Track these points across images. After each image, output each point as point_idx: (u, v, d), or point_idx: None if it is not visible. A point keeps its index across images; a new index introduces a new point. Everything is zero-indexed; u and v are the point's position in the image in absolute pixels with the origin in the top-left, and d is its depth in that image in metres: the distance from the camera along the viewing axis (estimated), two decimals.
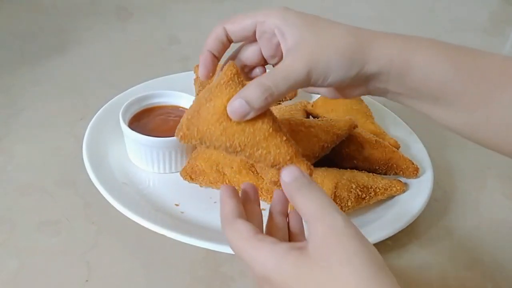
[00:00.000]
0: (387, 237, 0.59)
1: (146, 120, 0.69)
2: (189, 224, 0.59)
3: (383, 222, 0.61)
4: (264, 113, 0.44)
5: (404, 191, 0.65)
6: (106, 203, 0.59)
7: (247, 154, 0.44)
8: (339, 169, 0.63)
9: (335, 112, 0.73)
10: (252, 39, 0.50)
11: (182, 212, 0.61)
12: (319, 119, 0.69)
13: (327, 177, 0.60)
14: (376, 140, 0.67)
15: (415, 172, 0.67)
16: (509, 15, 1.32)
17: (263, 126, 0.43)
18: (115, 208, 0.58)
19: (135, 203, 0.60)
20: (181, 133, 0.44)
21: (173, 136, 0.63)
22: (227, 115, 0.42)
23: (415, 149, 0.72)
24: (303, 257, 0.36)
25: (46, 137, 0.73)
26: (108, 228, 0.60)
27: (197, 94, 0.74)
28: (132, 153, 0.67)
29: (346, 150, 0.66)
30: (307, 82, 0.45)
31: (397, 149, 0.70)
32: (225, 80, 0.44)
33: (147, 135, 0.64)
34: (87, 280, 0.54)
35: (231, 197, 0.43)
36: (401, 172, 0.67)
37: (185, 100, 0.72)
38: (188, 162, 0.65)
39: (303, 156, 0.61)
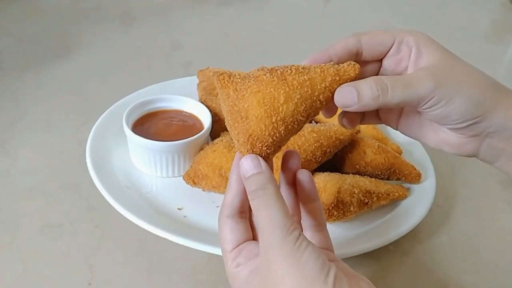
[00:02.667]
0: (389, 242, 0.59)
1: (149, 124, 0.69)
2: (192, 228, 0.59)
3: (385, 227, 0.61)
4: (286, 70, 0.42)
5: (406, 197, 0.65)
6: (109, 206, 0.59)
7: (313, 114, 0.42)
8: (342, 174, 0.64)
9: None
10: (380, 57, 0.47)
11: (185, 216, 0.61)
12: (322, 124, 0.69)
13: (329, 182, 0.60)
14: (378, 145, 0.67)
15: (418, 177, 0.67)
16: (511, 23, 1.32)
17: (300, 79, 0.41)
18: (118, 212, 0.58)
19: (138, 206, 0.60)
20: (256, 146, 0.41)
21: (176, 140, 0.65)
22: (271, 102, 0.40)
23: (418, 155, 0.72)
24: (257, 280, 0.39)
25: (49, 141, 0.74)
26: (111, 232, 0.60)
27: (200, 99, 0.74)
28: (135, 157, 0.68)
29: (349, 155, 0.66)
30: (427, 98, 0.41)
31: (400, 154, 0.70)
32: (231, 82, 0.42)
33: (150, 139, 0.65)
34: (90, 284, 0.54)
35: (236, 185, 0.43)
36: (404, 178, 0.67)
37: (188, 104, 0.72)
38: (191, 166, 0.65)
39: (305, 161, 0.62)
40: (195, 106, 0.72)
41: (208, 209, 0.63)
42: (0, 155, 0.71)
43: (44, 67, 0.91)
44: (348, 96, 0.41)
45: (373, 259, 0.59)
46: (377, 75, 0.48)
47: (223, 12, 1.19)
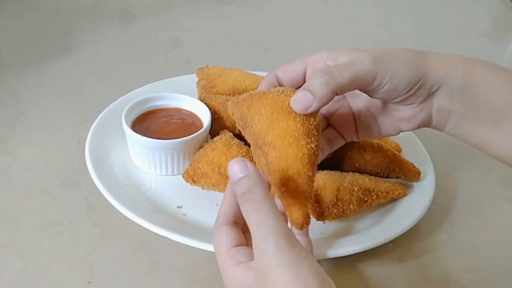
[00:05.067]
0: (388, 240, 0.59)
1: (149, 122, 0.69)
2: (191, 226, 0.59)
3: (385, 225, 0.61)
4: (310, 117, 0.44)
5: (405, 195, 0.65)
6: (109, 205, 0.59)
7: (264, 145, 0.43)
8: (341, 172, 0.64)
9: None
10: (302, 82, 0.50)
11: (184, 214, 0.61)
12: None
13: (329, 180, 0.60)
14: (378, 143, 0.67)
15: (417, 175, 0.67)
16: (511, 21, 1.32)
17: (295, 127, 0.43)
18: (118, 210, 0.58)
19: (137, 205, 0.60)
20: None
21: (176, 138, 0.65)
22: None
23: (417, 153, 0.72)
24: (253, 281, 0.39)
25: (49, 139, 0.74)
26: (110, 230, 0.60)
27: (199, 97, 0.74)
28: (135, 155, 0.67)
29: (348, 153, 0.66)
30: (372, 75, 0.44)
31: (399, 152, 0.70)
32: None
33: (149, 137, 0.65)
34: (89, 282, 0.54)
35: (229, 198, 0.44)
36: (403, 176, 0.67)
37: (187, 102, 0.72)
38: (191, 165, 0.65)
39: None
40: (195, 104, 0.72)
41: (208, 207, 0.63)
42: None
43: (44, 65, 0.91)
44: (303, 98, 0.42)
45: (373, 257, 0.59)
46: None
47: (223, 9, 1.19)
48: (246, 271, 0.40)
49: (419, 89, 0.46)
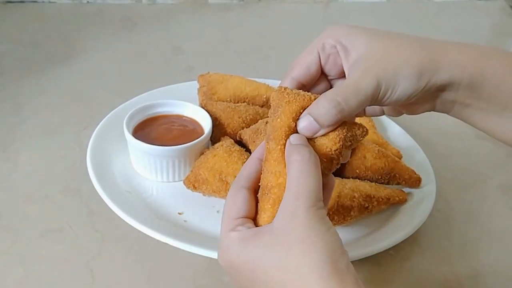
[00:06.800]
0: (389, 247, 0.59)
1: (150, 129, 0.70)
2: (192, 233, 0.59)
3: (385, 232, 0.61)
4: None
5: (406, 201, 0.65)
6: (110, 211, 0.59)
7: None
8: (342, 178, 0.64)
9: None
10: (319, 75, 0.48)
11: (185, 221, 0.61)
12: None
13: None
14: (378, 150, 0.67)
15: (418, 182, 0.67)
16: (511, 28, 1.32)
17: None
18: (119, 217, 0.59)
19: (138, 211, 0.61)
20: None
21: (177, 144, 0.65)
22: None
23: (418, 159, 0.72)
24: (266, 238, 0.39)
25: (50, 146, 0.74)
26: (111, 236, 0.60)
27: (201, 104, 0.74)
28: (136, 161, 0.68)
29: (349, 160, 0.66)
30: (376, 95, 0.43)
31: (400, 159, 0.70)
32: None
33: (151, 143, 0.65)
34: None
35: (256, 163, 0.44)
36: (404, 182, 0.67)
37: (188, 109, 0.72)
38: (192, 171, 0.65)
39: None
40: (196, 111, 0.72)
41: (209, 214, 0.63)
42: (1, 160, 0.71)
43: (45, 72, 0.91)
44: (309, 126, 0.42)
45: (374, 263, 0.59)
46: (330, 85, 0.50)
47: (224, 17, 1.19)
48: (248, 241, 0.39)
49: (422, 92, 0.45)
